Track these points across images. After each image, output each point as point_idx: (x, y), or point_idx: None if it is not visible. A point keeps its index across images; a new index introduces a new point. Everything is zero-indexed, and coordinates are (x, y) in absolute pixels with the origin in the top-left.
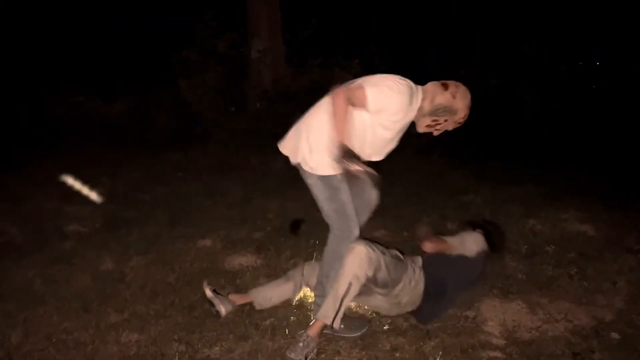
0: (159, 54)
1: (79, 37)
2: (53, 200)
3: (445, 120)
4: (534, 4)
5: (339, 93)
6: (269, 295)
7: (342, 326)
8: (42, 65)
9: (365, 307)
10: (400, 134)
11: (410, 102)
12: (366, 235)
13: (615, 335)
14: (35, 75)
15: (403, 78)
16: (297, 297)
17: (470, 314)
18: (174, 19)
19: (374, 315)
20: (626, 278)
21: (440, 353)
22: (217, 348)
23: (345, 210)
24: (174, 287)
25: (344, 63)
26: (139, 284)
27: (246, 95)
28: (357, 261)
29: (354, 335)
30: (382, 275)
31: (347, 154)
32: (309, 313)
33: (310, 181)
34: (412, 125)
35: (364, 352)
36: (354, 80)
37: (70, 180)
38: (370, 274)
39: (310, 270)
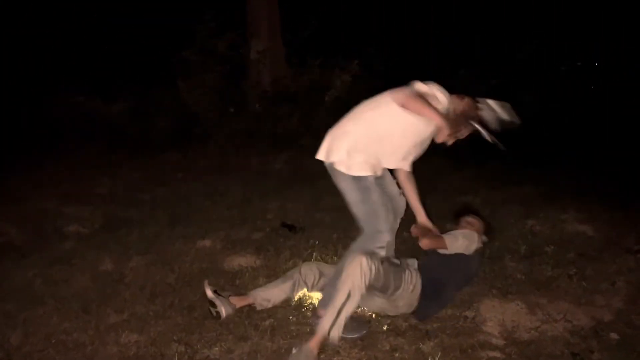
0: (159, 55)
1: (79, 37)
2: (53, 200)
3: (464, 128)
4: (533, 4)
5: (407, 98)
6: (268, 296)
7: None
8: (42, 65)
9: (365, 308)
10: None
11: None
12: None
13: (614, 336)
14: (35, 75)
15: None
16: (296, 297)
17: (470, 314)
18: (173, 20)
19: (374, 315)
20: (625, 278)
21: (440, 353)
22: (217, 349)
23: (377, 212)
24: (173, 288)
25: (343, 63)
26: (139, 285)
27: (246, 96)
28: (357, 271)
29: (354, 336)
30: (382, 282)
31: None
32: (308, 313)
33: (343, 184)
34: None
35: (363, 352)
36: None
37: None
38: (370, 283)
39: (308, 269)
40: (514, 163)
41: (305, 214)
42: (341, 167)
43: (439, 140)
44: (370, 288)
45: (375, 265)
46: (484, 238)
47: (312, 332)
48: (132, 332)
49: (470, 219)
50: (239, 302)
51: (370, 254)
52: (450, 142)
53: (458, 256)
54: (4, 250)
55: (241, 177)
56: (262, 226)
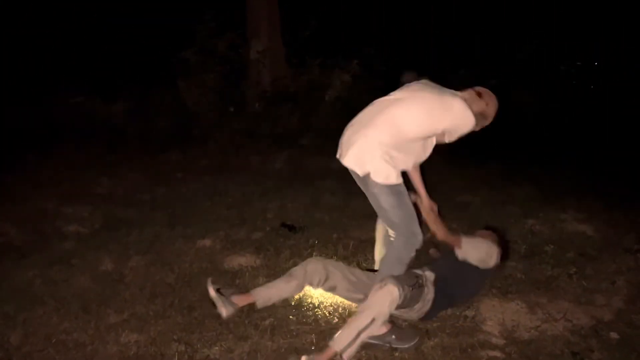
0: (159, 55)
1: (79, 37)
2: (53, 200)
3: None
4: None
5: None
6: (271, 294)
7: (393, 337)
8: (42, 65)
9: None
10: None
11: None
12: (366, 236)
13: (614, 335)
14: (35, 75)
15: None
16: (297, 296)
17: (470, 313)
18: (173, 20)
19: None
20: (625, 278)
21: (440, 352)
22: (217, 348)
23: (412, 214)
24: (173, 288)
25: (343, 63)
26: (139, 285)
27: (245, 96)
28: (387, 300)
29: (407, 346)
30: (405, 303)
31: None
32: (308, 313)
33: (376, 190)
34: None
35: (363, 352)
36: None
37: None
38: (394, 311)
39: (314, 270)
40: (513, 163)
41: (305, 214)
42: (378, 178)
43: (447, 139)
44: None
45: (404, 294)
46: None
47: (311, 332)
48: (132, 332)
49: (487, 232)
50: (241, 300)
51: (400, 282)
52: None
53: (473, 268)
54: (3, 251)
55: (241, 177)
56: (262, 226)
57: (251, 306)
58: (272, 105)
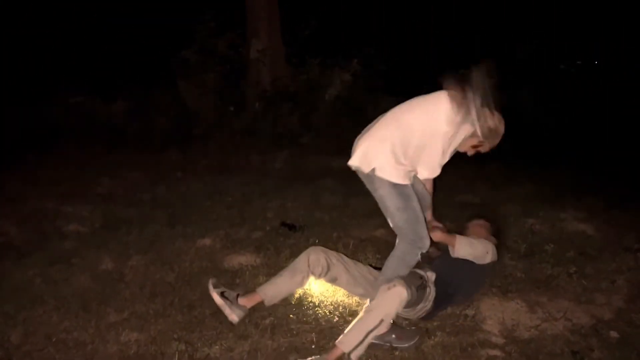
0: (159, 55)
1: (79, 37)
2: (53, 200)
3: (487, 142)
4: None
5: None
6: (278, 291)
7: (393, 336)
8: (42, 65)
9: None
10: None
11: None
12: (366, 235)
13: (614, 334)
14: (35, 75)
15: None
16: (298, 295)
17: (470, 312)
18: (173, 19)
19: None
20: (625, 277)
21: (440, 351)
22: (217, 347)
23: (419, 217)
24: (173, 287)
25: (343, 63)
26: (139, 284)
27: (245, 95)
28: (396, 301)
29: (407, 345)
30: (410, 304)
31: None
32: (308, 311)
33: (382, 191)
34: None
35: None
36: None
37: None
38: (401, 311)
39: (316, 260)
40: (513, 162)
41: (305, 213)
42: (384, 174)
43: (462, 149)
44: None
45: (412, 295)
46: (493, 239)
47: (312, 331)
48: (133, 331)
49: (480, 221)
50: (248, 302)
51: (409, 284)
52: (470, 153)
53: (470, 265)
54: (4, 250)
55: (241, 176)
56: (262, 225)
57: (255, 305)
58: (272, 104)
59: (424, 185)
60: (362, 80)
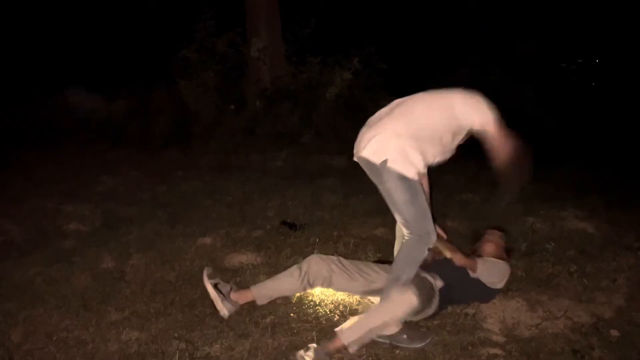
0: (159, 53)
1: (79, 36)
2: (53, 199)
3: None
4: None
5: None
6: (271, 291)
7: (404, 336)
8: (43, 64)
9: None
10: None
11: None
12: (367, 234)
13: (614, 333)
14: (36, 74)
15: None
16: (298, 293)
17: (470, 311)
18: (173, 18)
19: None
20: (625, 275)
21: (440, 350)
22: (218, 346)
23: (426, 213)
24: (174, 286)
25: (343, 61)
26: (139, 283)
27: (246, 94)
28: (405, 307)
29: (418, 346)
30: (416, 310)
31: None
32: (309, 310)
33: (390, 184)
34: None
35: (364, 350)
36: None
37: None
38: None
39: (317, 271)
40: None
41: (306, 212)
42: (395, 165)
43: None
44: None
45: (421, 304)
46: (506, 257)
47: (312, 329)
48: (133, 330)
49: (495, 236)
50: (240, 298)
51: (420, 292)
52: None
53: (482, 286)
54: (4, 249)
55: (241, 175)
56: (262, 224)
57: (252, 304)
58: (273, 103)
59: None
60: (362, 79)
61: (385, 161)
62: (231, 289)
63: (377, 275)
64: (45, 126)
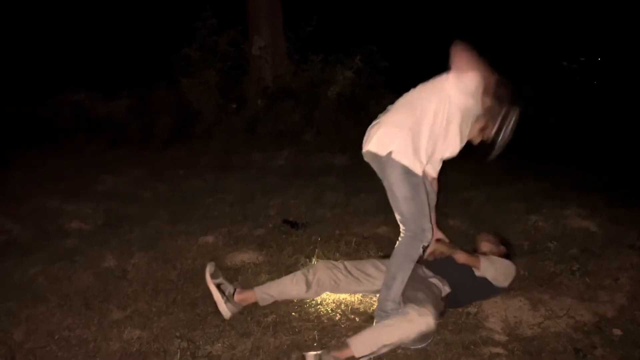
0: (160, 52)
1: (80, 35)
2: (55, 198)
3: (490, 126)
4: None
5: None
6: (273, 294)
7: None
8: (43, 64)
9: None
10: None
11: None
12: (369, 232)
13: (617, 332)
14: (37, 73)
15: None
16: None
17: (472, 310)
18: (174, 16)
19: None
20: (628, 274)
21: (442, 349)
22: (219, 345)
23: (424, 211)
24: (175, 284)
25: (345, 60)
26: (141, 281)
27: (247, 93)
28: (422, 328)
29: (420, 346)
30: None
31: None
32: (310, 309)
33: (394, 177)
34: None
35: None
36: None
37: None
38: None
39: (326, 278)
40: (516, 159)
41: (307, 210)
42: (400, 157)
43: (471, 136)
44: None
45: (436, 323)
46: (502, 248)
47: (314, 329)
48: (135, 328)
49: (489, 236)
50: (243, 299)
51: (437, 314)
52: (477, 140)
53: (488, 285)
54: (6, 248)
55: (243, 173)
56: (264, 222)
57: (253, 303)
58: (274, 101)
59: (431, 184)
60: (364, 77)
61: (390, 153)
62: (235, 290)
63: (383, 275)
64: (45, 126)
